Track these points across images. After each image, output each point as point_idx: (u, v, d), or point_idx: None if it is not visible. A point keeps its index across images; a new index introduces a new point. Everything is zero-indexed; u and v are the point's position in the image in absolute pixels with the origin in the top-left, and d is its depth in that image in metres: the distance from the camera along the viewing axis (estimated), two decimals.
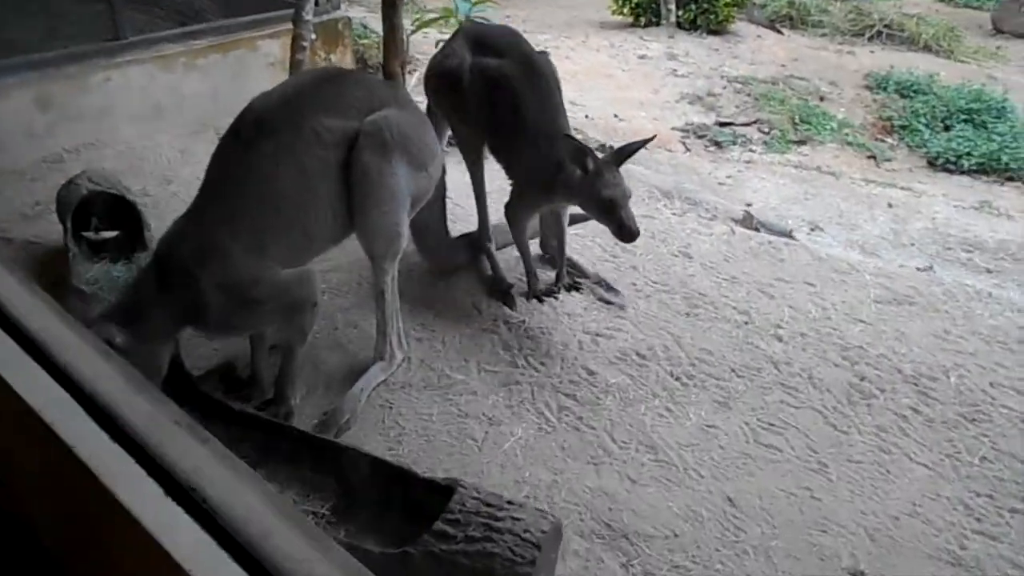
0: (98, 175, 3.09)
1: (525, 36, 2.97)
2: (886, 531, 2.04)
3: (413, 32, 4.23)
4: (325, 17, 4.61)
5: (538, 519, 1.74)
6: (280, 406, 2.39)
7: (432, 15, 4.30)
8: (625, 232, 2.53)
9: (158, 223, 3.24)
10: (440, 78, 2.91)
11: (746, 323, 2.85)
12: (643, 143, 2.66)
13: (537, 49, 2.88)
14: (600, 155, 2.66)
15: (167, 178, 3.87)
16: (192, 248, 2.08)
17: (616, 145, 5.06)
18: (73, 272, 2.76)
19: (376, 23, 7.41)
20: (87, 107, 3.90)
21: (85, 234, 3.05)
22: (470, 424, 2.41)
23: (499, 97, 2.75)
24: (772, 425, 2.39)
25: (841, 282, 3.16)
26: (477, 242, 3.06)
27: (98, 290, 2.72)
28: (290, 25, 4.26)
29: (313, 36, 4.16)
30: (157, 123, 4.16)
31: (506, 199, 2.91)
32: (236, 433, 2.19)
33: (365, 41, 6.39)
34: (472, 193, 3.08)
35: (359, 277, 3.06)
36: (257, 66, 4.47)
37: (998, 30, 9.82)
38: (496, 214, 3.02)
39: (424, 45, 5.58)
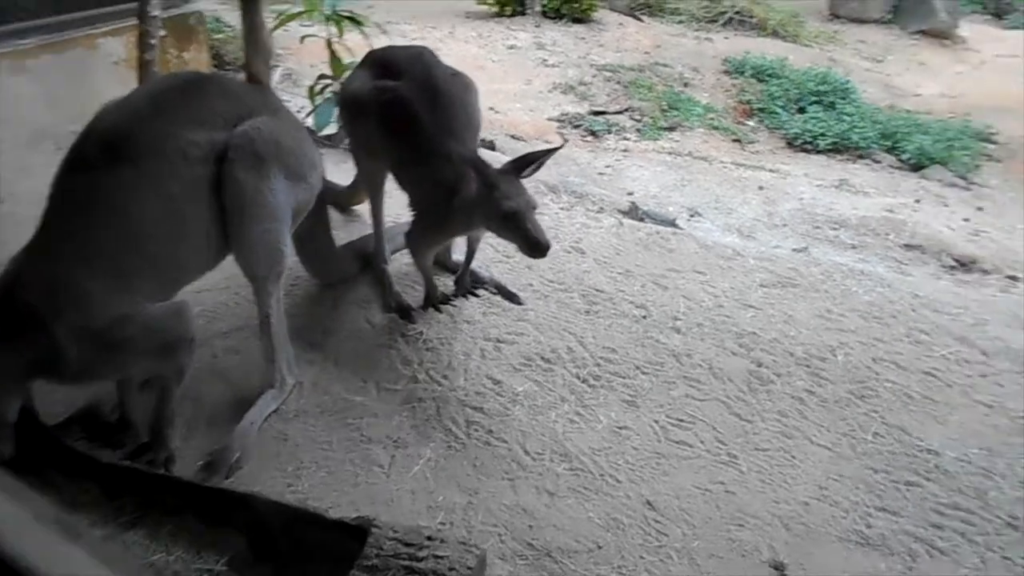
0: None
1: (389, 26, 2.78)
2: (798, 518, 2.08)
3: (275, 28, 3.95)
4: (175, 12, 4.21)
5: (462, 554, 1.64)
6: (159, 451, 2.15)
7: (295, 9, 4.02)
8: (533, 245, 2.28)
9: None
10: (344, 106, 2.72)
11: (644, 317, 2.85)
12: (548, 153, 2.44)
13: (448, 66, 2.72)
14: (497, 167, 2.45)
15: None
16: (41, 291, 1.79)
17: (494, 139, 5.02)
18: None
19: (230, 16, 6.95)
20: None
21: None
22: (374, 449, 2.26)
23: (398, 121, 2.55)
24: (681, 421, 2.39)
25: (728, 268, 3.23)
26: (371, 261, 2.90)
27: None
28: (133, 22, 3.88)
29: (162, 33, 3.80)
30: None
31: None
32: (109, 490, 1.95)
33: (220, 36, 5.97)
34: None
35: (235, 296, 2.81)
36: (99, 67, 4.03)
37: (834, 15, 10.54)
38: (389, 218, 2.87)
39: (287, 40, 5.27)
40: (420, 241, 2.66)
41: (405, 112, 2.53)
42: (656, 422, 2.39)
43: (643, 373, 2.58)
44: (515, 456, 2.25)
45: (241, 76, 5.21)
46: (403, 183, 2.69)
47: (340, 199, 3.26)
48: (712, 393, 2.51)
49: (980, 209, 4.97)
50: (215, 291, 2.81)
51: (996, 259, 4.00)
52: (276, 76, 4.59)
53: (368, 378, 2.52)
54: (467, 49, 7.48)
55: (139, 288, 1.93)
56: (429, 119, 2.51)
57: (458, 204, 2.40)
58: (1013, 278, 3.81)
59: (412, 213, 2.65)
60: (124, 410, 2.23)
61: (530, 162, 2.42)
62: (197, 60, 4.47)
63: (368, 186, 2.84)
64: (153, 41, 3.68)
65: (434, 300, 2.79)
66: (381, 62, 2.74)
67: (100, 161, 1.87)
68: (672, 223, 3.85)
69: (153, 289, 1.96)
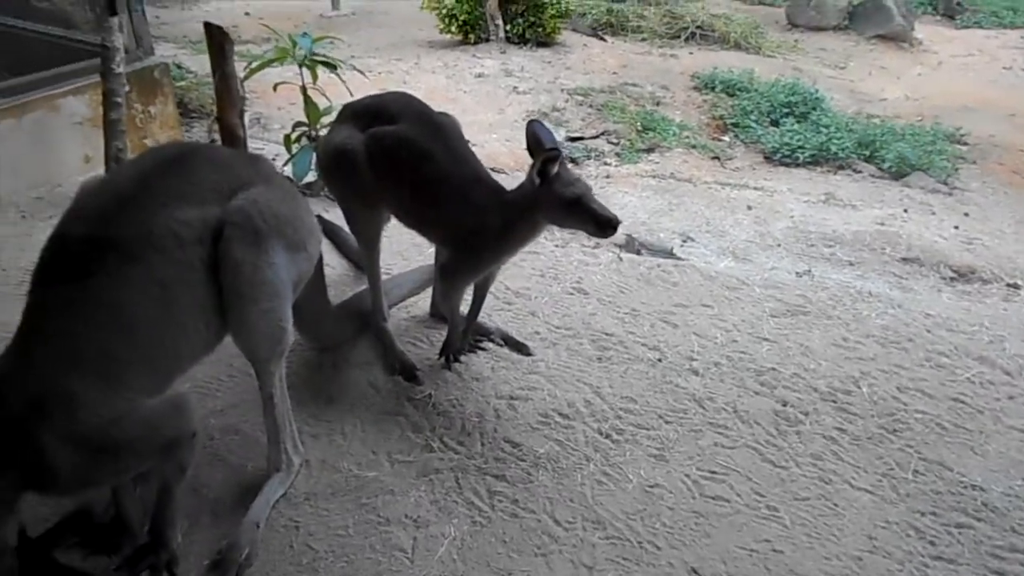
0: None
1: (353, 61, 2.68)
2: (853, 575, 1.97)
3: (247, 77, 3.81)
4: (138, 65, 4.07)
5: None
6: (160, 553, 1.97)
7: (265, 57, 3.88)
8: (605, 223, 2.25)
9: None
10: (331, 161, 2.58)
11: (660, 360, 2.74)
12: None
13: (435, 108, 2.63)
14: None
15: None
16: (26, 400, 1.62)
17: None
18: None
19: (189, 60, 6.80)
20: None
21: None
22: (394, 531, 2.11)
23: (406, 163, 2.45)
24: (713, 473, 2.28)
25: (736, 300, 3.14)
26: (369, 321, 2.76)
27: None
28: (96, 78, 3.72)
29: (126, 88, 3.64)
30: None
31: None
32: None
33: (182, 84, 5.79)
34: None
35: (228, 368, 2.65)
36: (61, 128, 3.86)
37: (792, 24, 10.67)
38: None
39: (254, 84, 5.12)
40: (459, 276, 2.53)
41: (415, 151, 2.45)
42: (688, 476, 2.27)
43: (667, 422, 2.47)
44: (545, 528, 2.11)
45: (209, 124, 5.07)
46: (425, 225, 2.58)
47: (357, 255, 3.09)
48: (741, 439, 2.40)
49: (967, 215, 4.97)
50: (206, 364, 2.56)
51: (993, 267, 3.98)
52: (245, 122, 4.42)
53: (379, 449, 2.37)
54: (435, 80, 7.38)
55: (132, 385, 1.76)
56: (443, 153, 2.44)
57: (513, 219, 2.37)
58: (1014, 286, 3.78)
59: (447, 250, 2.55)
60: (120, 509, 2.04)
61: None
62: (164, 113, 4.32)
63: (364, 241, 2.70)
64: (118, 99, 3.54)
65: (455, 348, 2.66)
66: (365, 112, 2.61)
67: (83, 252, 1.71)
68: (670, 253, 3.77)
69: (147, 383, 1.80)
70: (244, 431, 2.42)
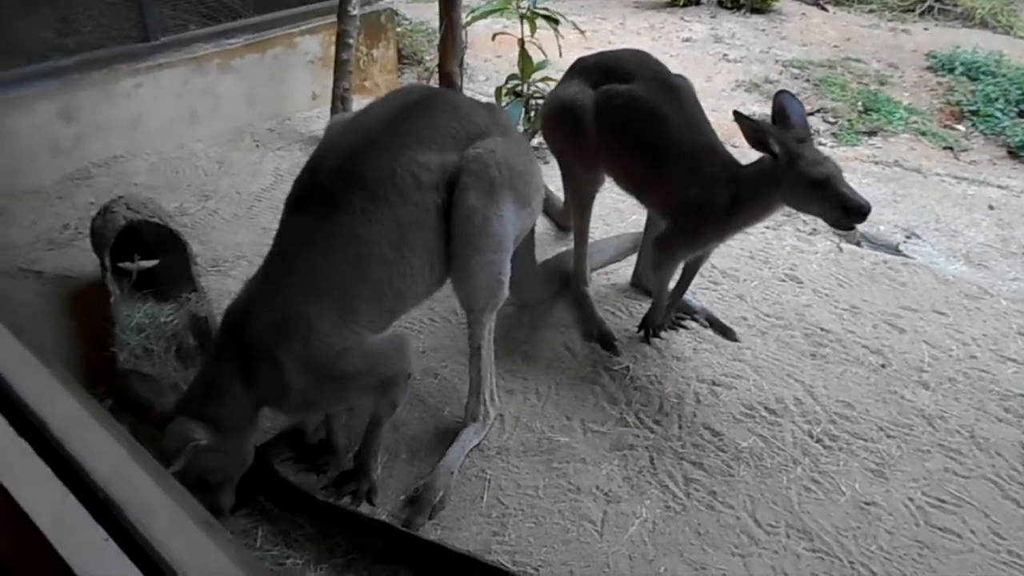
0: (136, 201, 2.74)
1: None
2: None
3: (468, 24, 3.84)
4: (367, 9, 4.21)
5: None
6: (362, 481, 2.06)
7: (489, 6, 3.89)
8: (854, 209, 2.02)
9: (198, 246, 2.92)
10: (558, 116, 2.51)
11: (883, 366, 2.48)
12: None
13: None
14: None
15: (204, 193, 3.52)
16: (270, 322, 1.72)
17: None
18: (116, 318, 2.42)
19: (404, 8, 7.01)
20: (116, 116, 3.55)
21: (122, 265, 2.71)
22: (584, 501, 2.07)
23: (636, 125, 2.36)
24: (942, 502, 2.03)
25: (976, 311, 2.78)
26: (569, 283, 2.71)
27: (145, 340, 2.38)
28: (329, 19, 3.90)
29: (358, 30, 3.79)
30: (191, 131, 3.80)
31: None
32: (324, 527, 1.87)
33: (399, 30, 5.98)
34: None
35: (430, 312, 2.71)
36: (295, 65, 4.09)
37: None
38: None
39: (474, 38, 5.17)
40: (676, 249, 2.41)
41: (647, 113, 2.33)
42: (911, 500, 2.04)
43: (888, 436, 2.23)
44: (744, 527, 1.98)
45: (419, 71, 5.21)
46: (646, 192, 2.47)
47: (560, 216, 3.08)
48: (978, 469, 2.13)
49: None
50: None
51: None
52: (465, 80, 4.48)
53: (572, 415, 2.32)
54: (640, 42, 7.14)
55: (360, 320, 1.82)
56: (677, 117, 2.31)
57: (745, 193, 2.20)
58: None
59: (667, 221, 2.42)
60: (329, 434, 2.15)
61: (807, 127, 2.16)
62: (385, 57, 4.46)
63: (578, 200, 2.64)
64: (350, 40, 3.67)
65: (657, 323, 2.56)
66: (598, 67, 2.52)
67: (332, 185, 1.77)
68: (896, 249, 3.41)
69: (373, 320, 1.86)
70: (442, 375, 2.47)
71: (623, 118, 2.37)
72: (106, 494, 0.99)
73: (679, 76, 2.47)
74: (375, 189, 1.77)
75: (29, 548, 0.96)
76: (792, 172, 2.10)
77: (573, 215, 2.71)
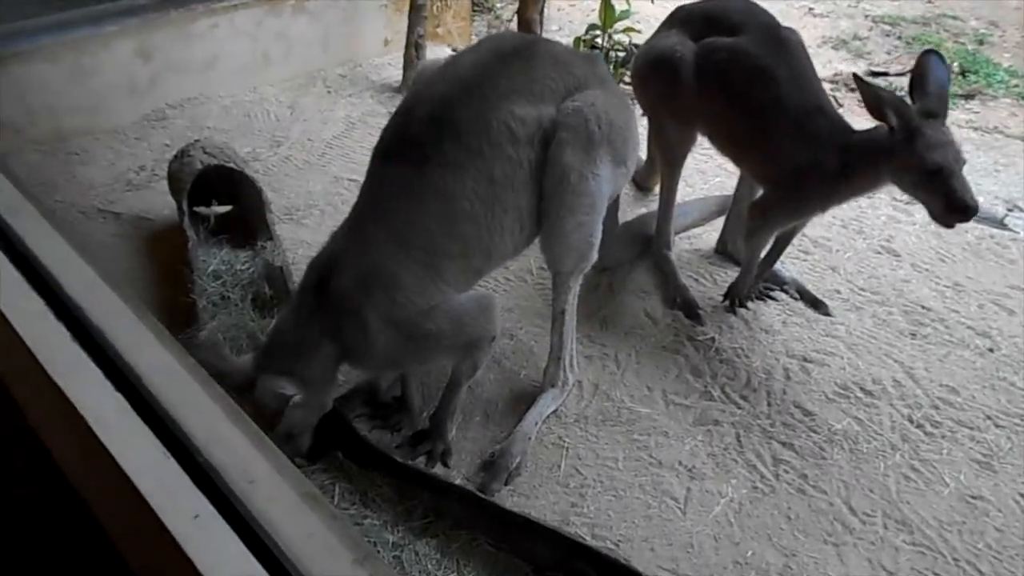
0: (212, 146, 2.70)
1: None
2: None
3: None
4: None
5: None
6: (437, 442, 2.01)
7: None
8: (960, 209, 1.85)
9: (271, 194, 2.87)
10: (653, 68, 2.36)
11: (991, 350, 2.31)
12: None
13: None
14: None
15: (276, 139, 3.47)
16: (355, 277, 1.66)
17: None
18: (194, 263, 2.40)
19: None
20: (192, 57, 3.50)
21: (198, 209, 2.69)
22: (666, 476, 1.98)
23: (740, 82, 2.20)
24: None
25: None
26: (652, 246, 2.58)
27: (222, 287, 2.36)
28: None
29: None
30: (263, 74, 3.74)
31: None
32: (401, 489, 1.83)
33: None
34: None
35: (505, 271, 2.62)
36: (368, 10, 3.98)
37: None
38: None
39: None
40: (774, 217, 2.26)
41: (753, 70, 2.17)
42: (1022, 496, 1.90)
43: (997, 426, 2.08)
44: (838, 513, 1.88)
45: (490, 19, 5.04)
46: (746, 154, 2.33)
47: (641, 175, 2.94)
48: None
49: None
50: None
51: None
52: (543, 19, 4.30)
53: (654, 386, 2.23)
54: None
55: (446, 277, 1.75)
56: (785, 75, 2.14)
57: (855, 163, 2.04)
58: None
59: (767, 186, 2.28)
60: (405, 393, 2.11)
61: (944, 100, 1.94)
62: (459, 4, 4.32)
63: (668, 159, 2.49)
64: None
65: (743, 293, 2.43)
66: (701, 17, 2.35)
67: (424, 135, 1.68)
68: (1001, 223, 3.17)
69: (459, 278, 1.78)
70: (519, 337, 2.39)
71: (726, 74, 2.21)
72: (207, 459, 0.94)
73: (789, 29, 2.29)
74: (469, 141, 1.67)
75: (130, 512, 0.93)
76: (906, 150, 1.92)
77: (662, 175, 2.57)
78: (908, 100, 1.98)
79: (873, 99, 1.95)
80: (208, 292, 2.29)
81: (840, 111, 2.30)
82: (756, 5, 2.34)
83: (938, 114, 1.94)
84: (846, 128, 2.11)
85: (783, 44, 2.20)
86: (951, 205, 1.88)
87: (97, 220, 2.88)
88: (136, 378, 1.03)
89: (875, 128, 2.03)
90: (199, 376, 1.07)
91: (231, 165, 2.63)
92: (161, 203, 2.88)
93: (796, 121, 2.13)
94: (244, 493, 0.91)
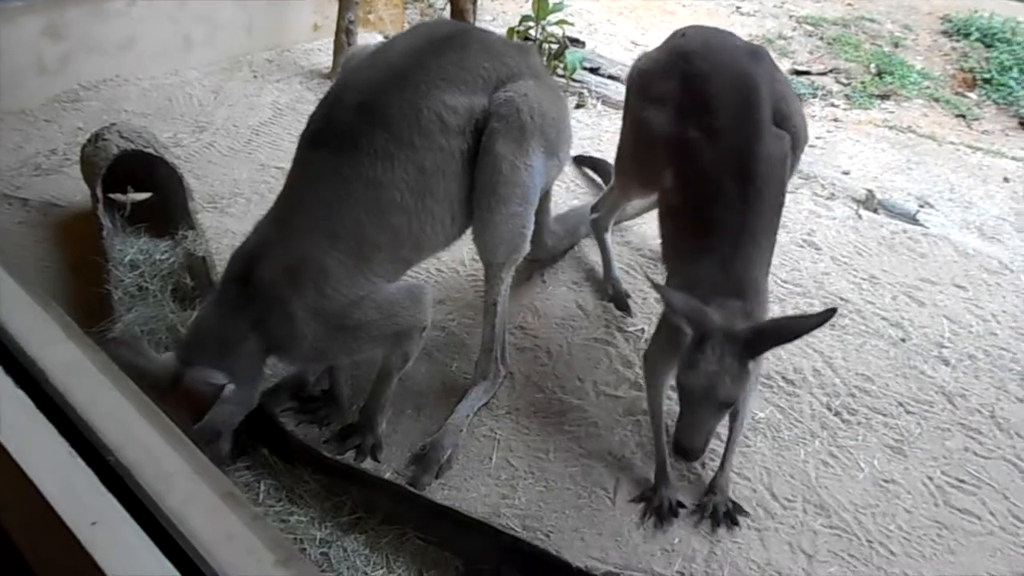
0: (129, 130, 2.58)
1: None
2: None
3: None
4: None
5: None
6: (367, 436, 1.98)
7: None
8: (674, 446, 1.71)
9: (193, 181, 2.77)
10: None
11: (903, 340, 2.42)
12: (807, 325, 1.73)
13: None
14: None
15: (200, 124, 3.35)
16: (282, 267, 1.61)
17: None
18: (109, 253, 2.29)
19: None
20: (107, 37, 3.34)
21: (113, 196, 2.57)
22: (596, 467, 2.01)
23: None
24: (962, 482, 1.99)
25: (996, 286, 2.72)
26: (584, 235, 2.58)
27: (140, 278, 2.26)
28: None
29: None
30: (185, 57, 3.60)
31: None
32: (329, 484, 1.79)
33: None
34: None
35: (437, 262, 2.59)
36: None
37: None
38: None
39: None
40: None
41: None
42: (931, 479, 2.00)
43: (908, 412, 2.18)
44: (761, 500, 1.94)
45: (422, 7, 4.97)
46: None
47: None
48: (998, 450, 2.08)
49: None
50: None
51: None
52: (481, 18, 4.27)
53: (585, 377, 2.25)
54: None
55: (375, 268, 1.72)
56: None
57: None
58: None
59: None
60: (333, 386, 2.07)
61: (778, 341, 1.76)
62: None
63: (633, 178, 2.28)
64: None
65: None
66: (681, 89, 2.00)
67: (353, 123, 1.64)
68: (913, 218, 3.32)
69: (388, 269, 1.75)
70: (450, 329, 2.37)
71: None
72: (118, 459, 0.90)
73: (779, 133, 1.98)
74: (399, 130, 1.64)
75: (34, 517, 0.87)
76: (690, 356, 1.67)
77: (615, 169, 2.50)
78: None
79: (669, 307, 1.73)
80: (124, 283, 2.19)
81: None
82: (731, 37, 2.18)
83: (743, 350, 1.65)
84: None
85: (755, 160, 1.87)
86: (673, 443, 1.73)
87: (2, 206, 2.72)
88: (39, 373, 0.98)
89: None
90: (110, 372, 1.01)
91: (149, 150, 2.52)
92: (73, 189, 2.74)
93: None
94: (158, 494, 0.87)
